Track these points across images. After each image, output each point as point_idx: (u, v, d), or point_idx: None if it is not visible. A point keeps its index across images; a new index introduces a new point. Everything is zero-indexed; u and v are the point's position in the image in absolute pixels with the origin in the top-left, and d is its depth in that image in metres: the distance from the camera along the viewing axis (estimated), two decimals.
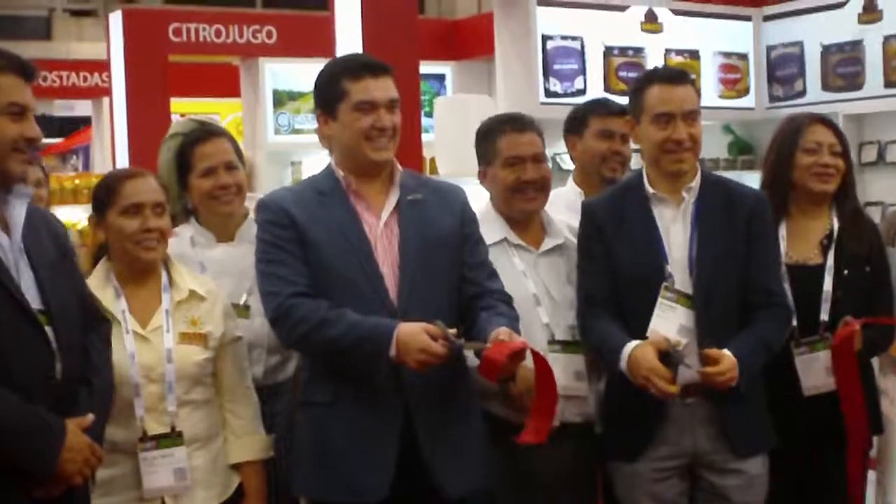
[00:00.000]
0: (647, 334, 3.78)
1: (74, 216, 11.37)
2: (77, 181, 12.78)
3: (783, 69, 9.18)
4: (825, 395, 4.06)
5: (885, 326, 4.09)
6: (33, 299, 3.12)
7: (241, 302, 4.02)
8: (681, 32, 8.89)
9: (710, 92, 8.78)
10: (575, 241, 4.12)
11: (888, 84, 8.43)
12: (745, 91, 9.19)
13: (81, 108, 18.30)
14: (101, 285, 3.64)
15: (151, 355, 3.57)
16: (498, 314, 3.62)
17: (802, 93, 9.02)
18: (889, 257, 4.25)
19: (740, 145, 9.22)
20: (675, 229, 3.90)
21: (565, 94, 8.26)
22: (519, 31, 8.21)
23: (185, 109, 13.53)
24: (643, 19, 8.69)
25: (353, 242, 3.59)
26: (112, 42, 11.69)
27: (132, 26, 11.52)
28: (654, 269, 3.84)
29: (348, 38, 7.72)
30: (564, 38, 8.31)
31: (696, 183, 3.93)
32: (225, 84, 13.78)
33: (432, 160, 8.39)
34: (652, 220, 3.90)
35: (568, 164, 8.15)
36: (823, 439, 4.08)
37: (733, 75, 9.12)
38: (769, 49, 9.28)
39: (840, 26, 8.72)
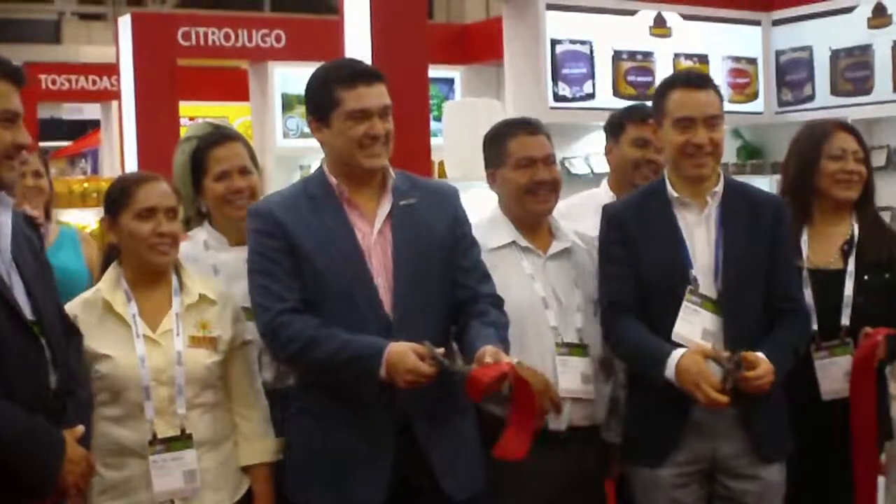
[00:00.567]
0: (672, 338, 3.78)
1: (83, 220, 11.38)
2: (86, 185, 12.79)
3: (792, 74, 9.18)
4: (841, 400, 4.06)
5: None
6: (25, 310, 3.14)
7: None
8: (690, 37, 8.90)
9: None
10: (582, 245, 4.13)
11: None
12: (754, 95, 9.19)
13: (90, 111, 18.36)
14: (111, 288, 3.65)
15: (162, 358, 3.57)
16: (488, 323, 3.61)
17: (811, 97, 9.01)
18: None
19: (749, 150, 9.22)
20: (698, 233, 3.89)
21: (574, 99, 8.27)
22: (528, 35, 8.23)
23: (193, 113, 13.57)
24: (652, 24, 8.70)
25: (346, 253, 3.58)
26: (121, 46, 11.71)
27: (141, 30, 11.54)
28: (679, 274, 3.84)
29: (357, 42, 7.72)
30: (573, 42, 8.32)
31: (719, 187, 3.93)
32: (234, 88, 13.83)
33: (441, 164, 8.40)
34: (675, 224, 3.90)
35: (577, 168, 8.20)
36: (838, 444, 4.07)
37: (742, 80, 9.13)
38: (778, 53, 9.28)
39: (849, 31, 8.72)
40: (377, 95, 3.61)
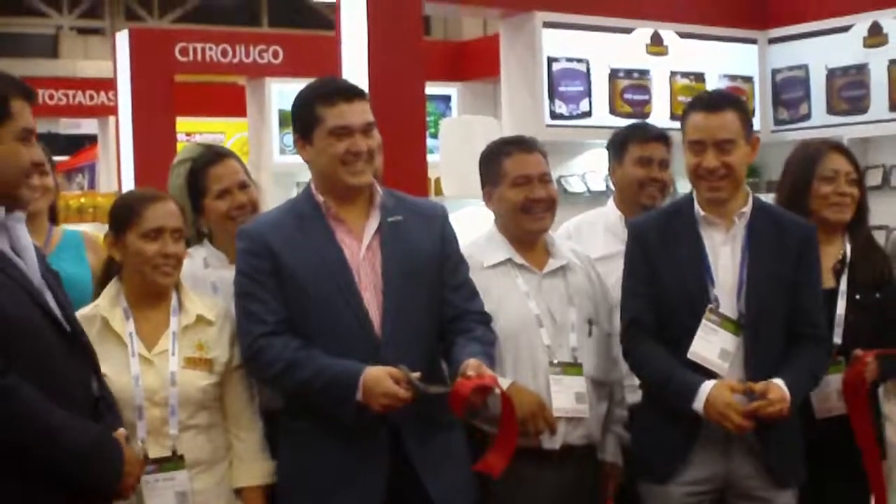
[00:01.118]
0: (689, 356, 3.78)
1: None
2: (83, 199, 12.76)
3: (788, 92, 9.19)
4: (836, 418, 4.07)
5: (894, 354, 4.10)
6: (61, 320, 3.14)
7: None
8: (686, 55, 8.91)
9: None
10: (578, 263, 4.14)
11: (893, 108, 8.44)
12: (751, 114, 9.19)
13: (87, 125, 18.32)
14: (110, 306, 3.65)
15: (155, 379, 3.57)
16: (473, 340, 3.63)
17: (807, 116, 9.03)
18: None
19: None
20: (724, 253, 3.89)
21: (571, 117, 8.28)
22: (525, 53, 8.24)
23: (190, 129, 13.56)
24: (649, 42, 8.72)
25: (333, 270, 3.59)
26: (119, 61, 11.72)
27: (139, 45, 11.55)
28: (700, 291, 3.84)
29: (354, 58, 7.73)
30: (570, 60, 8.33)
31: (747, 208, 3.92)
32: (231, 103, 13.82)
33: (437, 181, 8.40)
34: (700, 242, 3.89)
35: (574, 186, 8.21)
36: (834, 462, 4.07)
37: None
38: (774, 72, 9.29)
39: (845, 50, 8.74)
40: (358, 112, 3.62)
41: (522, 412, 3.72)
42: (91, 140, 19.00)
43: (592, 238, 4.60)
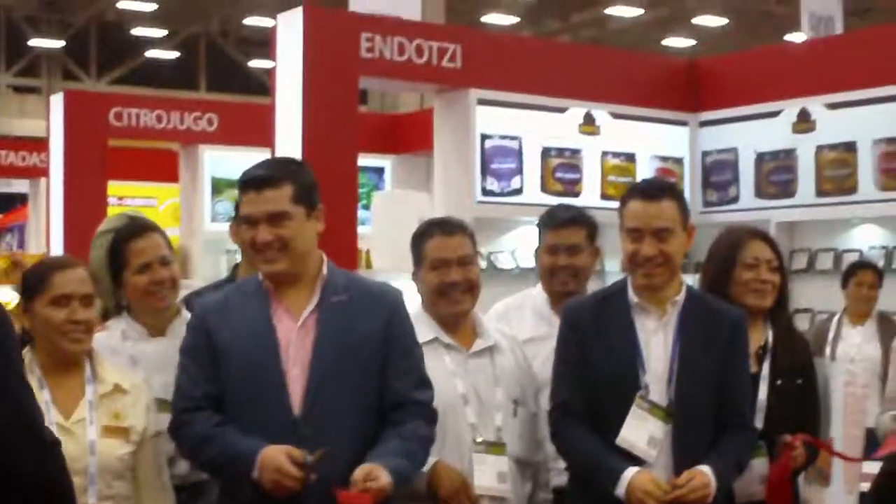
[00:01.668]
0: (618, 441, 3.78)
1: (5, 296, 11.22)
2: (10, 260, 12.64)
3: (717, 175, 9.33)
4: (756, 503, 4.07)
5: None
6: None
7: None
8: (618, 135, 9.03)
9: None
10: (505, 343, 4.15)
11: (820, 193, 8.59)
12: None
13: (19, 185, 18.16)
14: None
15: (75, 447, 3.51)
16: (396, 436, 3.56)
17: (736, 199, 9.16)
18: (817, 367, 4.31)
19: None
20: (655, 340, 3.90)
21: (502, 193, 8.33)
22: (458, 128, 8.31)
23: (123, 192, 13.47)
24: (581, 121, 8.82)
25: (260, 347, 3.57)
26: (52, 122, 11.69)
27: (73, 108, 11.54)
28: (631, 378, 3.84)
29: (288, 127, 7.74)
30: (503, 137, 8.41)
31: (681, 297, 3.95)
32: (164, 169, 13.77)
33: (367, 253, 8.39)
34: (633, 328, 3.90)
35: (503, 262, 8.24)
36: None
37: (669, 179, 9.24)
38: (704, 154, 9.44)
39: (774, 135, 8.90)
40: (263, 202, 3.59)
41: (445, 490, 3.72)
42: (22, 199, 18.82)
43: (520, 320, 4.59)
